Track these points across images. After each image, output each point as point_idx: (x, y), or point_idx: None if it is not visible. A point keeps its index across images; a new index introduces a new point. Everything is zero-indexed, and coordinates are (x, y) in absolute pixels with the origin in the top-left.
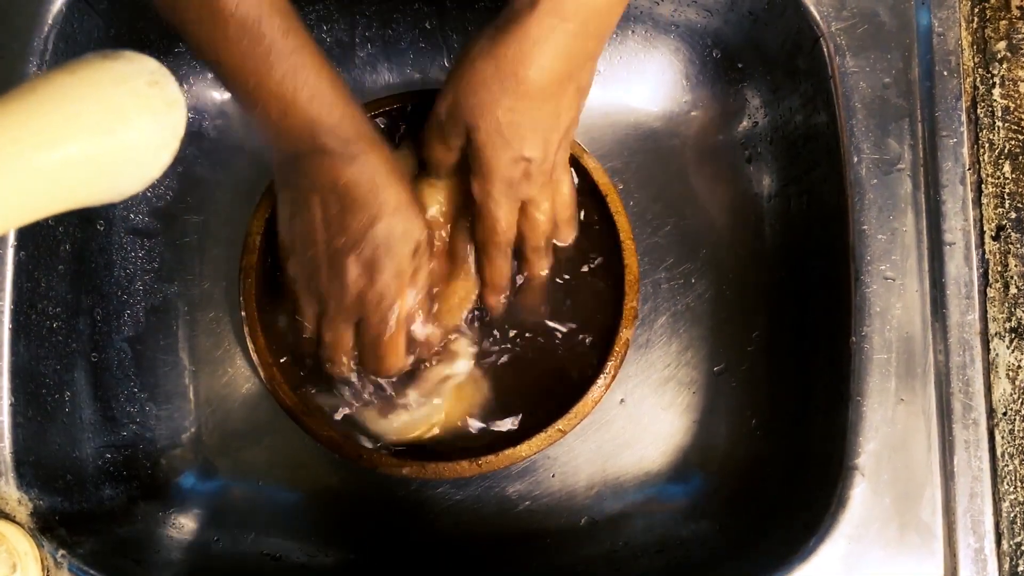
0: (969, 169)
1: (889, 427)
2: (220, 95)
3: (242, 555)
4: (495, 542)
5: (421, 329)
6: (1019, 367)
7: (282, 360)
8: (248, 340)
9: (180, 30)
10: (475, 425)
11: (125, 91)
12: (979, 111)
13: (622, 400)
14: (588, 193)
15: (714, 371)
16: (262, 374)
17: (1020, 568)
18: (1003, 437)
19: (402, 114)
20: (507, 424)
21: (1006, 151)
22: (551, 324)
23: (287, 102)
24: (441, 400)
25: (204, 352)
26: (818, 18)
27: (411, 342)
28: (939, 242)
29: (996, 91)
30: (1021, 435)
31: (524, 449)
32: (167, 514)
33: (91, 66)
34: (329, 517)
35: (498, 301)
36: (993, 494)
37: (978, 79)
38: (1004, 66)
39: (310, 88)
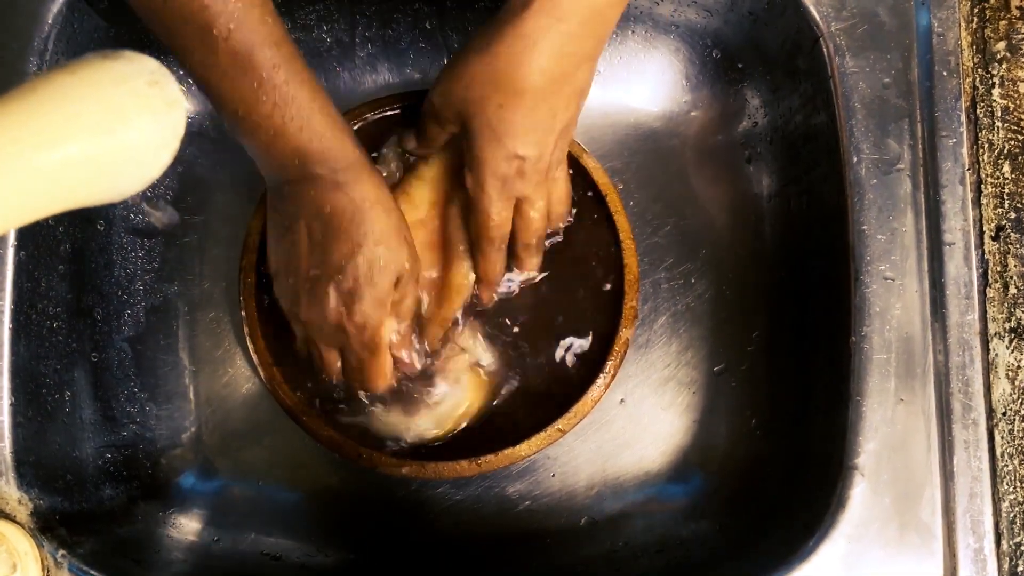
0: (969, 169)
1: (889, 427)
2: None
3: (242, 555)
4: (495, 542)
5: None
6: (1019, 367)
7: (283, 361)
8: (248, 340)
9: (173, 53)
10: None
11: (125, 91)
12: (979, 111)
13: (622, 400)
14: (588, 193)
15: (714, 371)
16: (262, 374)
17: (1020, 568)
18: (1003, 437)
19: (402, 114)
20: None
21: (1006, 151)
22: (551, 322)
23: (276, 131)
24: (462, 390)
25: (204, 352)
26: (818, 18)
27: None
28: (939, 242)
29: (996, 91)
30: (1021, 435)
31: (524, 449)
32: (167, 514)
33: (91, 66)
34: (329, 517)
35: (491, 295)
36: (993, 494)
37: (978, 79)
38: (1004, 66)
39: (299, 119)
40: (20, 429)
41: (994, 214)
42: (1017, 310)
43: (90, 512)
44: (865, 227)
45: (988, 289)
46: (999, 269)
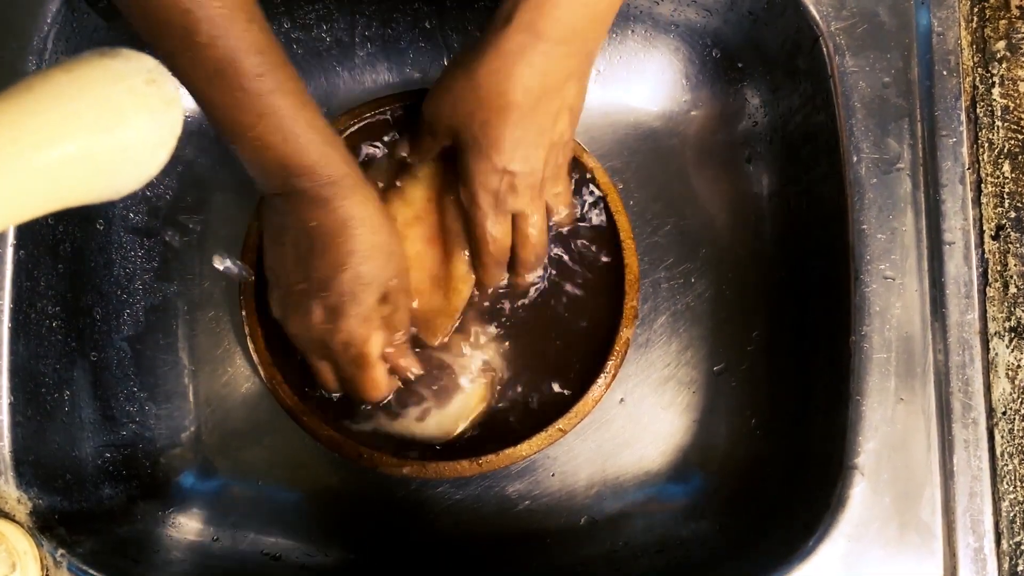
0: (969, 168)
1: (889, 426)
2: None
3: (242, 555)
4: (495, 542)
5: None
6: (1018, 366)
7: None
8: (248, 339)
9: (158, 56)
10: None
11: (123, 89)
12: (978, 111)
13: (622, 400)
14: (588, 192)
15: (714, 371)
16: (262, 373)
17: (1020, 567)
18: (1002, 436)
19: (402, 114)
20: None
21: (1005, 150)
22: (551, 322)
23: (260, 142)
24: (468, 393)
25: (204, 351)
26: (818, 18)
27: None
28: (939, 241)
29: (996, 90)
30: (1020, 434)
31: (524, 448)
32: (167, 513)
33: (89, 64)
34: (329, 517)
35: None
36: (992, 493)
37: (977, 79)
38: (1003, 65)
39: (284, 131)
40: (19, 428)
41: (994, 213)
42: (1017, 309)
43: (89, 511)
44: (865, 226)
45: (988, 288)
46: (999, 268)
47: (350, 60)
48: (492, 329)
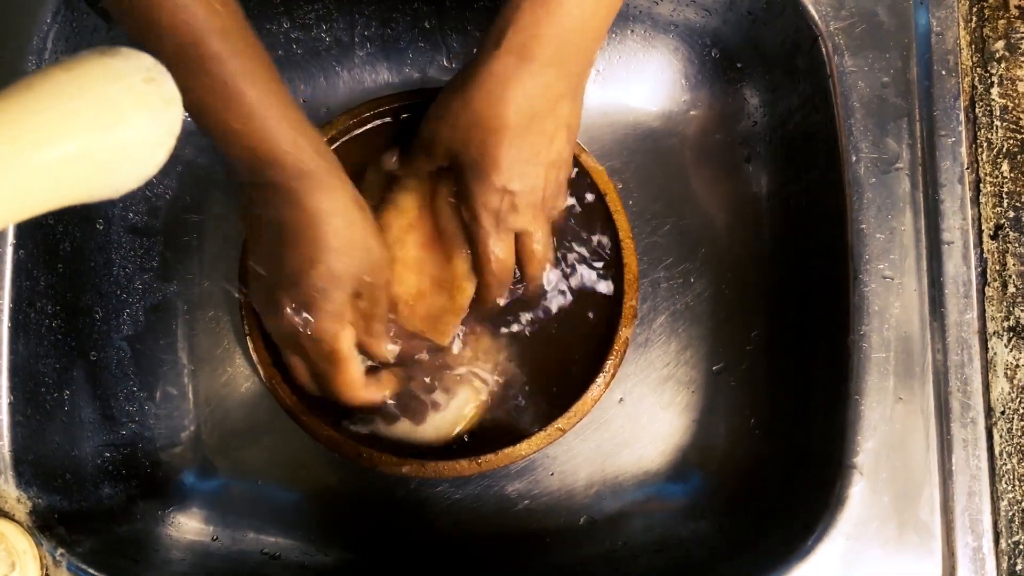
0: (967, 168)
1: (887, 426)
2: None
3: (241, 554)
4: (494, 541)
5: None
6: (1017, 366)
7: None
8: (248, 339)
9: (132, 39)
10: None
11: (121, 88)
12: (977, 110)
13: (621, 399)
14: (587, 192)
15: (713, 370)
16: (262, 373)
17: (1018, 567)
18: (1001, 436)
19: (401, 113)
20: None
21: (1004, 150)
22: (551, 322)
23: (227, 130)
24: (467, 396)
25: (203, 351)
26: (817, 18)
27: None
28: (937, 241)
29: (994, 90)
30: (1019, 434)
31: (524, 448)
32: (166, 513)
33: (87, 63)
34: (328, 516)
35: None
36: (991, 493)
37: (976, 78)
38: (1002, 65)
39: (251, 119)
40: (19, 428)
41: (993, 213)
42: (1016, 309)
43: (89, 511)
44: (864, 226)
45: (987, 288)
46: (998, 268)
47: (349, 60)
48: (491, 330)
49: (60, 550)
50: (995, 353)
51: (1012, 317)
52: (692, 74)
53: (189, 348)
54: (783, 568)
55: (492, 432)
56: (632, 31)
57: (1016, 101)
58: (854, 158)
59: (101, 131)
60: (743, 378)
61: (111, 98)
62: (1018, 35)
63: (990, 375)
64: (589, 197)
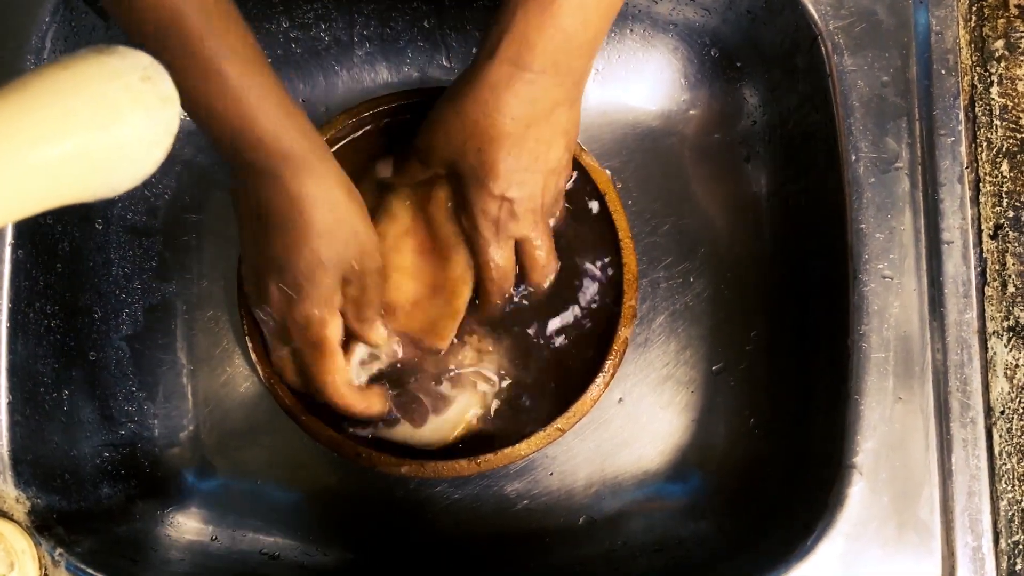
0: (967, 168)
1: (887, 426)
2: None
3: (240, 554)
4: (494, 541)
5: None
6: (1017, 366)
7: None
8: (247, 339)
9: (115, 19)
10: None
11: (118, 86)
12: (977, 110)
13: (620, 399)
14: (586, 192)
15: (712, 370)
16: (261, 373)
17: (1018, 566)
18: (1001, 436)
19: (400, 113)
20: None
21: (1004, 150)
22: (550, 322)
23: (209, 110)
24: (467, 398)
25: (202, 351)
26: (816, 17)
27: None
28: (937, 241)
29: (994, 90)
30: (1019, 434)
31: (523, 448)
32: (165, 513)
33: (84, 61)
34: (328, 516)
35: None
36: (991, 493)
37: (976, 78)
38: (1002, 65)
39: (232, 99)
40: (18, 428)
41: (992, 212)
42: (1015, 309)
43: (88, 511)
44: (863, 226)
45: (986, 288)
46: (997, 268)
47: (348, 59)
48: (491, 331)
49: (59, 550)
50: (995, 353)
51: (1012, 317)
52: (691, 73)
53: (188, 348)
54: (783, 568)
55: (491, 432)
56: (631, 30)
57: (1016, 100)
58: (853, 157)
59: (98, 130)
60: (742, 378)
61: (108, 97)
62: (1017, 34)
63: (990, 375)
64: (588, 197)
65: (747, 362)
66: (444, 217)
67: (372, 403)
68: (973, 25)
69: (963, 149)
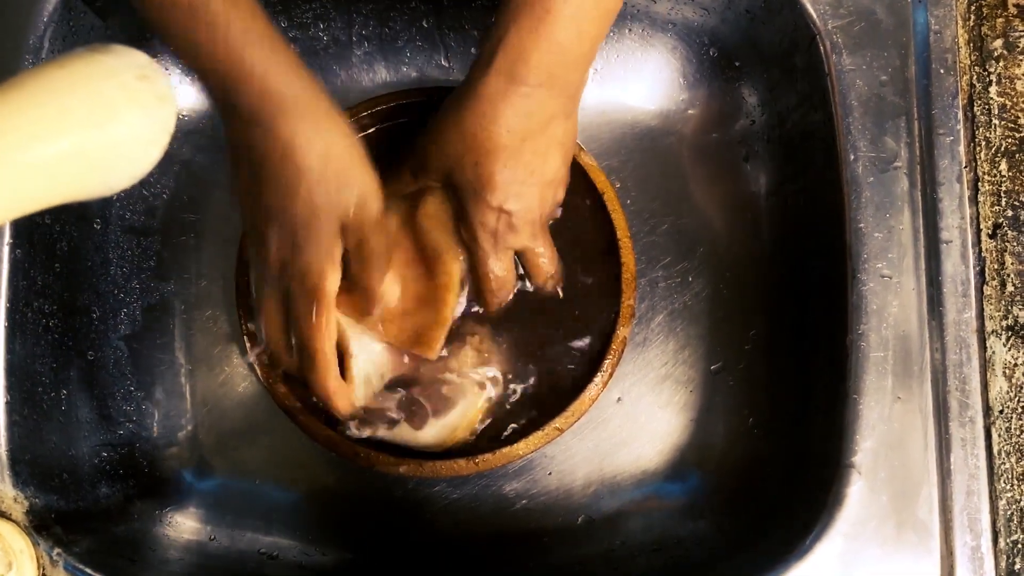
0: (966, 167)
1: (886, 425)
2: None
3: (239, 554)
4: (492, 541)
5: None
6: (1016, 365)
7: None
8: (245, 339)
9: None
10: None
11: (115, 85)
12: (976, 109)
13: (619, 399)
14: (585, 191)
15: (711, 370)
16: (259, 373)
17: (1017, 566)
18: (1000, 435)
19: (398, 112)
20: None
21: (1003, 149)
22: (549, 322)
23: (194, 45)
24: (467, 395)
25: (201, 351)
26: (815, 16)
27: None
28: (936, 240)
29: (993, 89)
30: (1018, 433)
31: (521, 447)
32: (163, 513)
33: (81, 60)
34: (326, 516)
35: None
36: (990, 492)
37: (975, 77)
38: (1001, 64)
39: (214, 30)
40: (16, 427)
41: (991, 212)
42: (1014, 308)
43: (86, 510)
44: (862, 225)
45: (985, 287)
46: (996, 267)
47: (347, 59)
48: (489, 331)
49: (57, 550)
50: (993, 352)
51: (1010, 316)
52: (690, 73)
53: (186, 348)
54: (781, 567)
55: (490, 431)
56: (630, 30)
57: (1014, 100)
58: (852, 157)
59: (94, 128)
60: (741, 377)
61: (104, 95)
62: (1016, 33)
63: (988, 374)
64: (587, 196)
65: (746, 361)
66: (430, 227)
67: (344, 394)
68: (972, 24)
69: (962, 148)
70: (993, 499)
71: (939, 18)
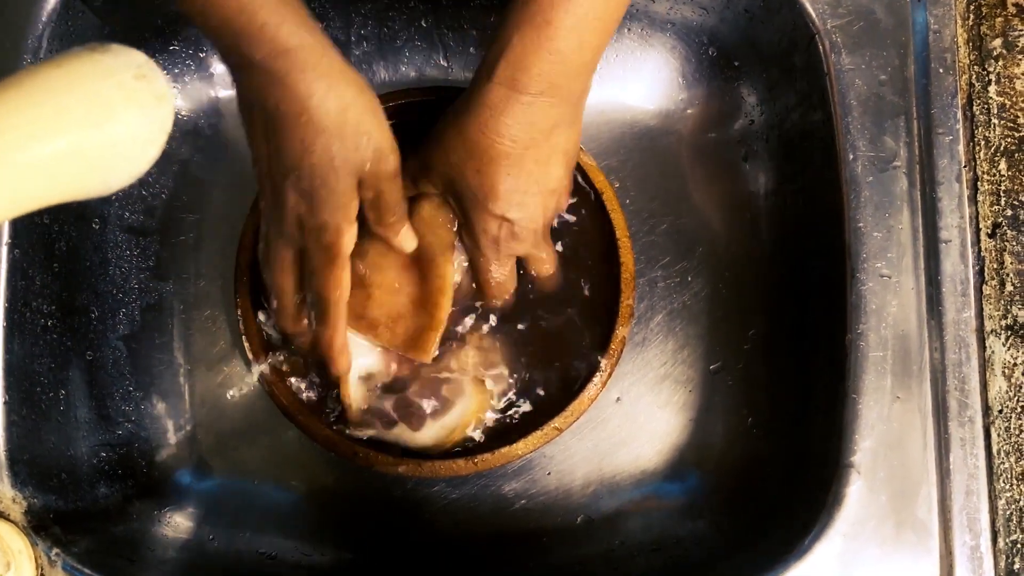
0: (965, 166)
1: (885, 425)
2: (216, 93)
3: (237, 554)
4: (492, 541)
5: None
6: (1015, 364)
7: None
8: (243, 339)
9: None
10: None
11: (112, 84)
12: (975, 108)
13: (618, 398)
14: (585, 191)
15: (710, 369)
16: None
17: (1016, 565)
18: (999, 435)
19: (397, 112)
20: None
21: (1002, 148)
22: (548, 322)
23: (209, 6)
24: (465, 396)
25: (199, 351)
26: (814, 16)
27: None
28: (935, 239)
29: (992, 88)
30: (1017, 432)
31: (520, 447)
32: (162, 513)
33: (78, 59)
34: (325, 516)
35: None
36: (989, 492)
37: (974, 76)
38: (1000, 63)
39: None
40: (14, 428)
41: (990, 211)
42: (1013, 307)
43: (85, 511)
44: (861, 224)
45: (984, 286)
46: (995, 266)
47: (346, 58)
48: (488, 331)
49: (56, 550)
50: (993, 352)
51: (1010, 315)
52: (689, 72)
53: (185, 348)
54: (781, 567)
55: (489, 431)
56: (629, 29)
57: (1013, 99)
58: (851, 156)
59: (92, 128)
60: (740, 377)
61: (102, 95)
62: (1015, 33)
63: (988, 374)
64: (586, 196)
65: (745, 361)
66: (424, 231)
67: (347, 354)
68: (971, 24)
69: (961, 148)
70: (992, 499)
71: (938, 17)
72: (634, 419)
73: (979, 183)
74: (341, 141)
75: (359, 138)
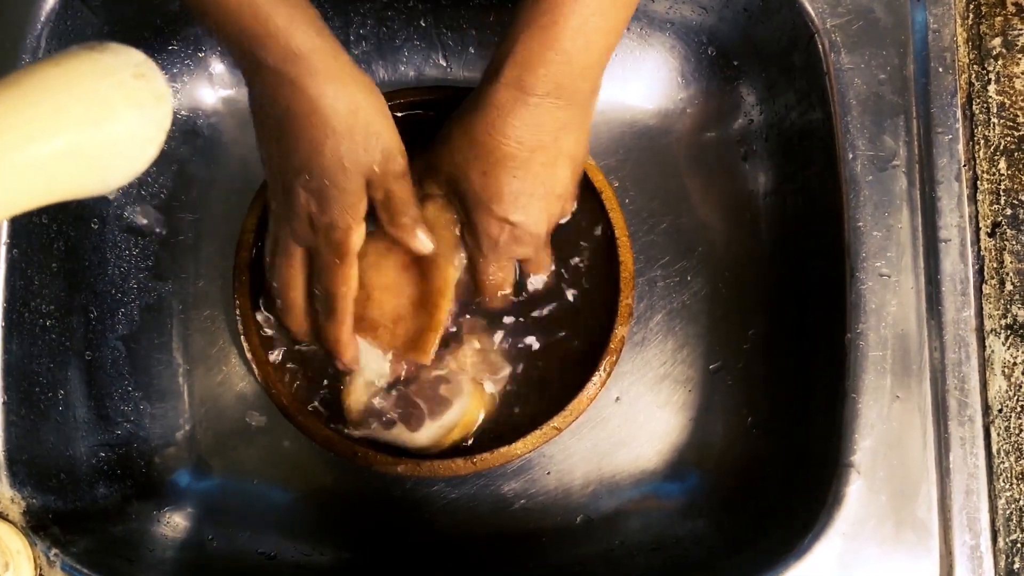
0: (964, 166)
1: (885, 424)
2: (215, 93)
3: (237, 554)
4: (491, 541)
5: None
6: (1015, 364)
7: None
8: (243, 339)
9: None
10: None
11: (111, 83)
12: (974, 107)
13: (617, 398)
14: (583, 191)
15: (710, 369)
16: (257, 373)
17: (1016, 565)
18: (999, 434)
19: (395, 111)
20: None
21: (1001, 147)
22: (547, 322)
23: (220, 8)
24: (464, 397)
25: (198, 351)
26: (813, 15)
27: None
28: (934, 239)
29: (991, 87)
30: (1017, 432)
31: (519, 447)
32: (161, 513)
33: (77, 58)
34: (324, 516)
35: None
36: (989, 491)
37: (973, 75)
38: (999, 63)
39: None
40: (13, 428)
41: (990, 210)
42: (1013, 306)
43: (83, 511)
44: (861, 224)
45: (984, 286)
46: (995, 265)
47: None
48: (487, 330)
49: (54, 550)
50: (992, 351)
51: (1009, 315)
52: (688, 72)
53: (184, 348)
54: (780, 567)
55: (488, 431)
56: (628, 29)
57: (1013, 98)
58: (851, 155)
59: (90, 127)
60: (740, 377)
61: (100, 94)
62: (1015, 32)
63: (987, 373)
64: (585, 195)
65: (744, 361)
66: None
67: (353, 348)
68: (970, 23)
69: (960, 147)
70: (992, 498)
71: (938, 16)
72: (633, 419)
73: (979, 182)
74: (351, 142)
75: (368, 139)
